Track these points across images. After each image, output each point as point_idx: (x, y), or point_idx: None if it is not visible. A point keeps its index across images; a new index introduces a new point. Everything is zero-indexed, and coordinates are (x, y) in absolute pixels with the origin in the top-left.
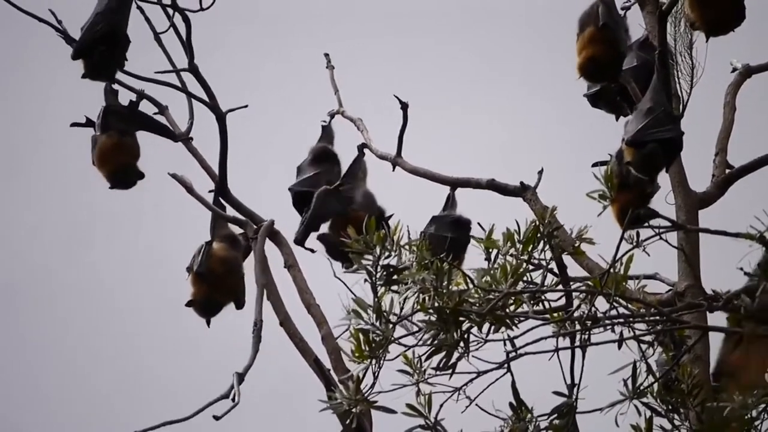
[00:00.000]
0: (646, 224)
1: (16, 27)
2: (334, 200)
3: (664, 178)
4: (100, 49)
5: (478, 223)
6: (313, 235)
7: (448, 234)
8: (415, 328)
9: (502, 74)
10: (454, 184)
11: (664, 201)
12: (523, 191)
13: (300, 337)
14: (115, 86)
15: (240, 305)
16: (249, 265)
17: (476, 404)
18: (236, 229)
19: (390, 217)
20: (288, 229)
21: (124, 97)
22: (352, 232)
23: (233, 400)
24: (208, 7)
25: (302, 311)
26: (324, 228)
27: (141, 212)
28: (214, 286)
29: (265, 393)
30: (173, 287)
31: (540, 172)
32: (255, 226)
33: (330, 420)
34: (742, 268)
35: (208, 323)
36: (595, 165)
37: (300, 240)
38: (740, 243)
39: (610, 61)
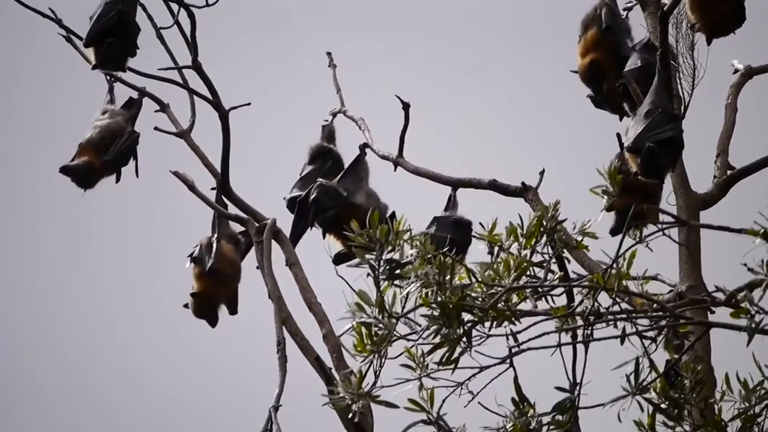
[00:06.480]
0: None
1: (17, 25)
2: (329, 196)
3: (665, 179)
4: (109, 41)
5: (480, 224)
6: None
7: (449, 235)
8: (418, 324)
9: (503, 74)
10: (456, 184)
11: (665, 202)
12: (525, 192)
13: (301, 336)
14: (116, 84)
15: (233, 311)
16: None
17: (478, 400)
18: (237, 227)
19: (393, 214)
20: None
21: (125, 94)
22: (356, 227)
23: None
24: (213, 3)
25: (304, 310)
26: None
27: (142, 209)
28: (218, 287)
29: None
30: (174, 285)
31: (541, 173)
32: (257, 224)
33: (331, 420)
34: (746, 264)
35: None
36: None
37: (295, 238)
38: (740, 245)
39: (611, 65)
